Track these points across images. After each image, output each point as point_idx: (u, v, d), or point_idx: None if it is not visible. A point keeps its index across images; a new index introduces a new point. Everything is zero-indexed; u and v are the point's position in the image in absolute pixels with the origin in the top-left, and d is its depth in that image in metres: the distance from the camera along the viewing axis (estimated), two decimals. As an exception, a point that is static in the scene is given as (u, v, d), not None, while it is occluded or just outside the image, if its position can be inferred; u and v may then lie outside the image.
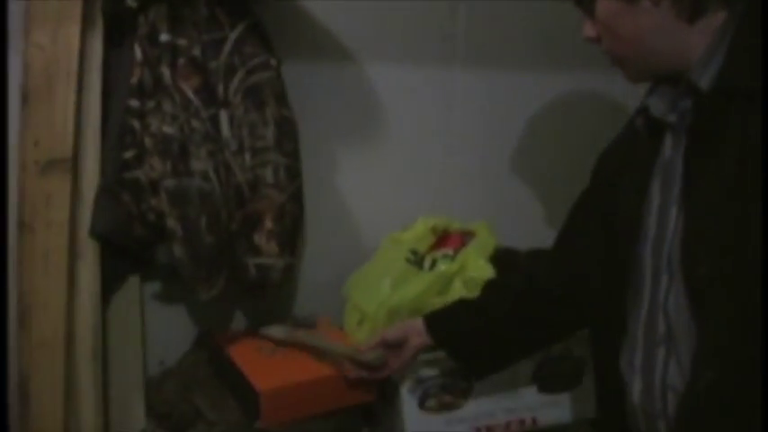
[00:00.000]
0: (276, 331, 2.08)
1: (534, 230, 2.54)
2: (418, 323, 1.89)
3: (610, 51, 1.55)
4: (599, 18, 1.51)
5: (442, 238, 2.23)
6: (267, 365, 1.99)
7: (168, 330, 2.20)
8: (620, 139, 1.75)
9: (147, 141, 1.90)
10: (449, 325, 1.89)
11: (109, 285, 1.99)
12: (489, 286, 1.97)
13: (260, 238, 2.00)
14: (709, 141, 1.40)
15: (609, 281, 1.69)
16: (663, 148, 1.55)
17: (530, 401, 2.10)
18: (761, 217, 1.30)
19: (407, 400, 2.00)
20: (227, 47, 1.94)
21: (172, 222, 1.90)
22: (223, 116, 1.95)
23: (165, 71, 1.88)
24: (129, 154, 1.91)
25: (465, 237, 2.22)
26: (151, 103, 1.89)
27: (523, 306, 1.87)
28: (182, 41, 1.90)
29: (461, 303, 1.95)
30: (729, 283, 1.37)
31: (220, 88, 1.94)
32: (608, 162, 1.77)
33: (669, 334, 1.53)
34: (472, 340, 1.87)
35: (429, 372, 2.00)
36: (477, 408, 2.05)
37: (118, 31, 1.92)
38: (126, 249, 1.98)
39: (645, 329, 1.59)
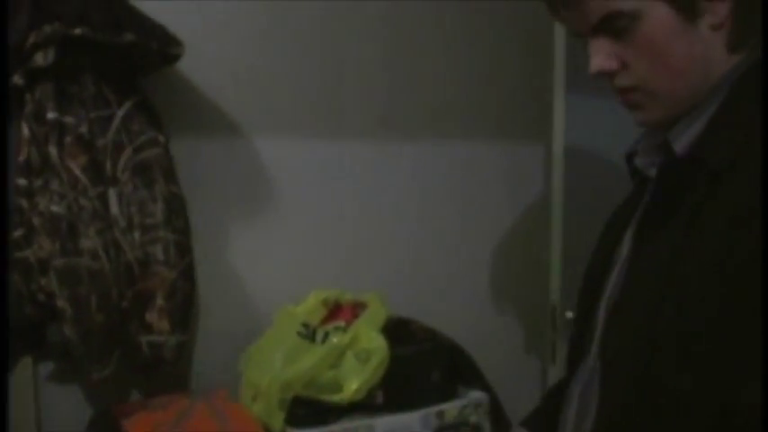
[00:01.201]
0: None
1: (426, 298, 2.58)
2: None
3: (640, 85, 1.32)
4: (644, 41, 1.27)
5: (334, 311, 2.24)
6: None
7: (64, 410, 2.15)
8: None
9: (36, 220, 1.88)
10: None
11: (0, 367, 1.96)
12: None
13: (151, 316, 1.99)
14: (665, 207, 1.32)
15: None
16: (646, 198, 1.45)
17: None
18: (689, 303, 1.22)
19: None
20: (115, 124, 1.95)
21: (62, 302, 1.88)
22: (112, 194, 1.94)
23: (53, 149, 1.87)
24: (17, 233, 1.89)
25: (357, 308, 2.23)
26: (39, 182, 1.88)
27: None
28: (69, 119, 1.89)
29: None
30: (628, 358, 1.30)
31: (108, 166, 1.94)
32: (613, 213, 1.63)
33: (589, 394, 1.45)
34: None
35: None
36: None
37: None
38: (17, 330, 1.95)
39: (581, 387, 1.49)
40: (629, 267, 1.38)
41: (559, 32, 2.69)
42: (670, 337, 1.24)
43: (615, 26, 1.28)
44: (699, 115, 1.31)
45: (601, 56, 1.32)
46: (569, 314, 2.63)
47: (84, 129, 1.90)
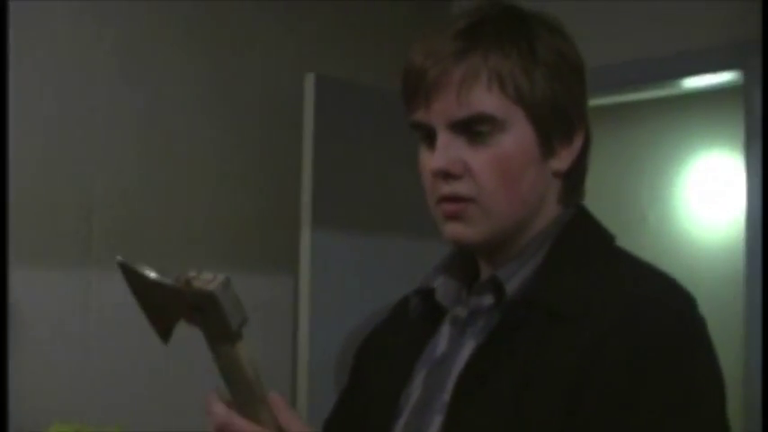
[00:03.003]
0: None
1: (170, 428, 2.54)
2: None
3: (478, 198, 1.23)
4: (501, 153, 1.22)
5: (76, 444, 2.18)
6: None
7: None
8: (388, 319, 1.50)
9: None
10: None
11: None
12: None
13: None
14: (499, 354, 1.22)
15: None
16: (437, 338, 1.33)
17: None
18: None
19: None
20: None
21: None
22: None
23: None
24: None
25: (99, 441, 2.18)
26: None
27: None
28: None
29: None
30: None
31: None
32: (370, 347, 1.50)
33: None
34: None
35: None
36: None
37: None
38: None
39: None
40: (455, 413, 1.22)
41: (307, 169, 2.78)
42: None
43: (476, 129, 1.21)
44: (528, 259, 1.26)
45: (449, 154, 1.22)
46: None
47: None
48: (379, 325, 1.51)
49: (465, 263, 1.36)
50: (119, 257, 1.20)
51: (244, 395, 1.17)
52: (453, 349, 1.29)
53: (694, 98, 4.57)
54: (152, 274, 1.22)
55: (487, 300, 1.28)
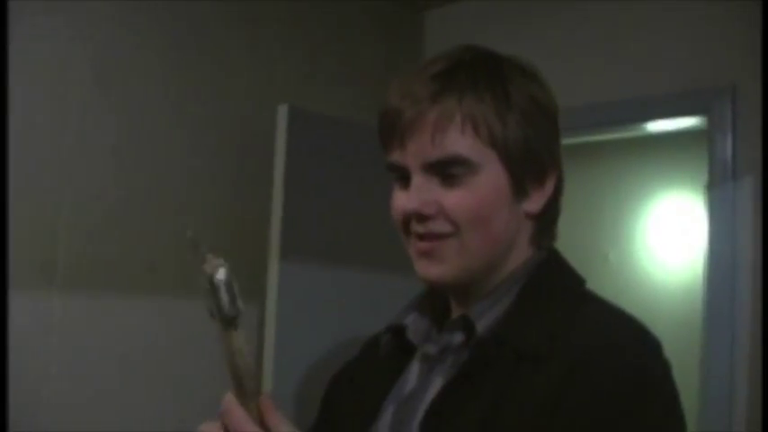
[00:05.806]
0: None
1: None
2: None
3: (455, 233, 1.25)
4: (474, 193, 1.24)
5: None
6: None
7: None
8: (359, 356, 1.52)
9: None
10: None
11: None
12: None
13: None
14: (467, 386, 1.24)
15: None
16: (407, 375, 1.36)
17: None
18: None
19: None
20: None
21: None
22: None
23: None
24: None
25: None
26: None
27: None
28: None
29: None
30: None
31: None
32: (340, 383, 1.51)
33: None
34: None
35: None
36: None
37: None
38: None
39: None
40: None
41: (277, 200, 2.79)
42: None
43: (450, 171, 1.23)
44: (499, 298, 1.29)
45: (422, 196, 1.24)
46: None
47: None
48: (349, 361, 1.52)
49: (436, 301, 1.39)
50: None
51: (235, 385, 1.16)
52: (422, 386, 1.31)
53: (658, 140, 4.63)
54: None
55: (458, 338, 1.29)
